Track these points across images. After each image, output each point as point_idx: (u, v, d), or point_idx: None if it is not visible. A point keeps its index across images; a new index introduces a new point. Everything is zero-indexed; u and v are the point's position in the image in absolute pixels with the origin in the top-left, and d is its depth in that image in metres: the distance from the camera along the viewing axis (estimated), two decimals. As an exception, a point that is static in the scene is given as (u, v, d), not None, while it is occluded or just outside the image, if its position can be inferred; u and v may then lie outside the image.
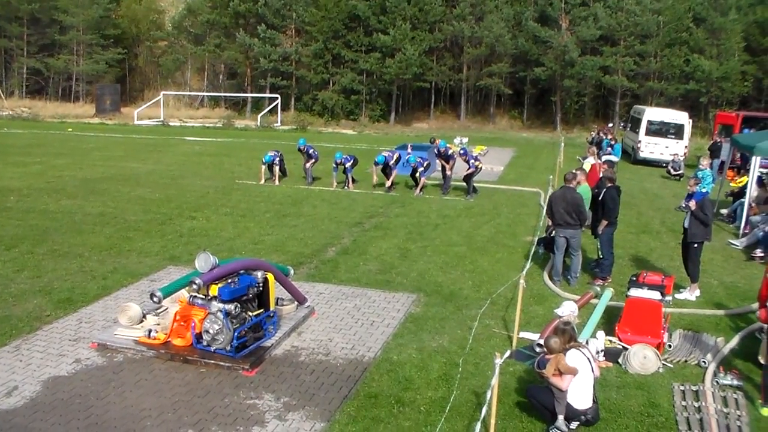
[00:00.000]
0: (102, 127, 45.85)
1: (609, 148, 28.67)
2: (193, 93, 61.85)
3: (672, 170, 29.29)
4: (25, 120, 49.20)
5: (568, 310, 9.74)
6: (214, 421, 7.88)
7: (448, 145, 23.77)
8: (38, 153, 30.90)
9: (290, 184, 23.87)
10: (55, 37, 60.35)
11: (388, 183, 23.14)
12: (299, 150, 24.67)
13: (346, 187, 23.35)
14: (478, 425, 6.83)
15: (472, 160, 22.25)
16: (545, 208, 13.32)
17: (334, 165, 23.43)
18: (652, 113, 33.77)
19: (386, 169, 23.42)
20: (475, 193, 22.50)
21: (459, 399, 8.50)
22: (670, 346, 10.18)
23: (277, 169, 24.10)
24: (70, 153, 31.29)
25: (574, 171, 14.45)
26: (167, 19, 66.85)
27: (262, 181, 24.01)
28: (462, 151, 22.92)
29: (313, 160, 24.31)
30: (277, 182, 23.98)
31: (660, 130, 32.61)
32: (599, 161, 20.85)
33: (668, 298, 11.30)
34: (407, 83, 54.59)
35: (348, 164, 23.18)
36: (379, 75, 52.98)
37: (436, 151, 23.47)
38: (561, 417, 7.73)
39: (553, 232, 14.96)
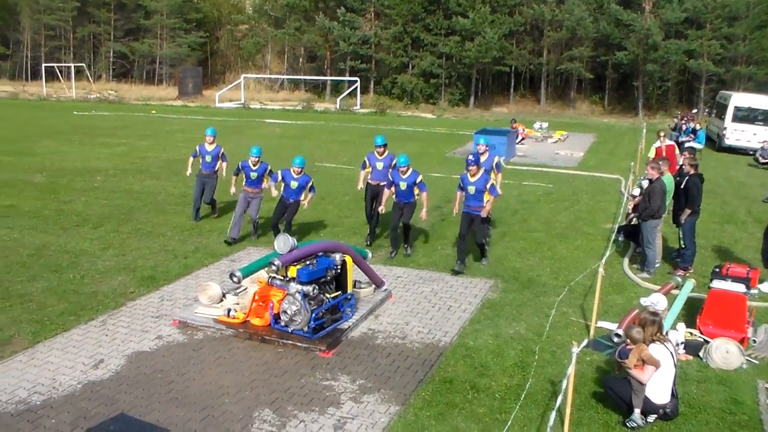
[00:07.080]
0: (184, 110, 46.77)
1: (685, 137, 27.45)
2: (273, 76, 62.36)
3: (760, 158, 28.15)
4: (112, 102, 50.54)
5: (658, 302, 9.43)
6: (290, 401, 7.97)
7: (526, 130, 23.39)
8: (123, 135, 31.78)
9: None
10: (140, 22, 62.02)
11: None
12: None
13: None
14: (553, 414, 6.73)
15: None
16: (649, 198, 12.84)
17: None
18: (740, 99, 32.56)
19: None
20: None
21: (534, 387, 8.40)
22: (754, 341, 9.80)
23: None
24: (153, 135, 32.07)
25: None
26: (248, 3, 67.67)
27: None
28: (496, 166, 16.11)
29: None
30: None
31: (748, 116, 31.40)
32: (664, 145, 19.99)
33: (753, 291, 10.88)
34: (487, 67, 53.85)
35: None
36: (458, 58, 52.39)
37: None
38: (638, 410, 7.54)
39: (634, 220, 14.62)
